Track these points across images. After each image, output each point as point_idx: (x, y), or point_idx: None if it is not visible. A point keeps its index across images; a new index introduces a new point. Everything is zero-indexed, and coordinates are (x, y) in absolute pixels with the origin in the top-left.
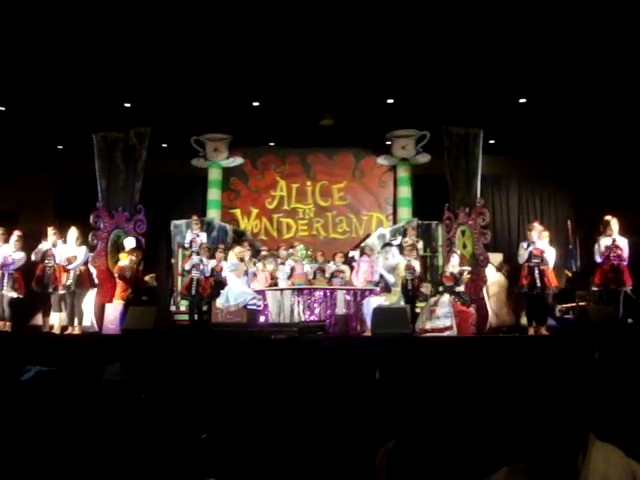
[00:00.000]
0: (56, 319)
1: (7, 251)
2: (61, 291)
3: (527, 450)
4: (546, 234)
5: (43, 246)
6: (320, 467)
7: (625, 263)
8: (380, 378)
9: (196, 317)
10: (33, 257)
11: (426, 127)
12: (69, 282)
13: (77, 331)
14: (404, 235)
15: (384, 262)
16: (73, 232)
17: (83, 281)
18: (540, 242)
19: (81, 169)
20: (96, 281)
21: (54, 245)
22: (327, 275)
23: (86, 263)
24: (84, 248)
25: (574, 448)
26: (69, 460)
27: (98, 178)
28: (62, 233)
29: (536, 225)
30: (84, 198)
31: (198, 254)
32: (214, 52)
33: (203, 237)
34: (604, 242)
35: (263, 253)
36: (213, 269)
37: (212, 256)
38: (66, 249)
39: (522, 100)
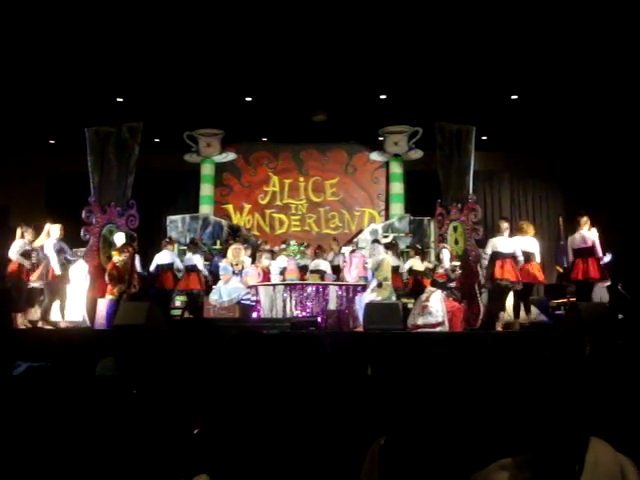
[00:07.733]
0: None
1: None
2: (38, 284)
3: (532, 443)
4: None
5: (24, 244)
6: (312, 462)
7: (596, 256)
8: (372, 373)
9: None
10: (15, 257)
11: (419, 123)
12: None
13: (62, 325)
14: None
15: (371, 258)
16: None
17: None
18: (524, 238)
19: (73, 164)
20: (89, 276)
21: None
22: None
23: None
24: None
25: (580, 442)
26: (62, 456)
27: (90, 173)
28: (38, 230)
29: (523, 225)
30: (76, 193)
31: (185, 252)
32: (207, 47)
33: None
34: (570, 239)
35: (264, 247)
36: (195, 265)
37: (195, 251)
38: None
39: (514, 97)
